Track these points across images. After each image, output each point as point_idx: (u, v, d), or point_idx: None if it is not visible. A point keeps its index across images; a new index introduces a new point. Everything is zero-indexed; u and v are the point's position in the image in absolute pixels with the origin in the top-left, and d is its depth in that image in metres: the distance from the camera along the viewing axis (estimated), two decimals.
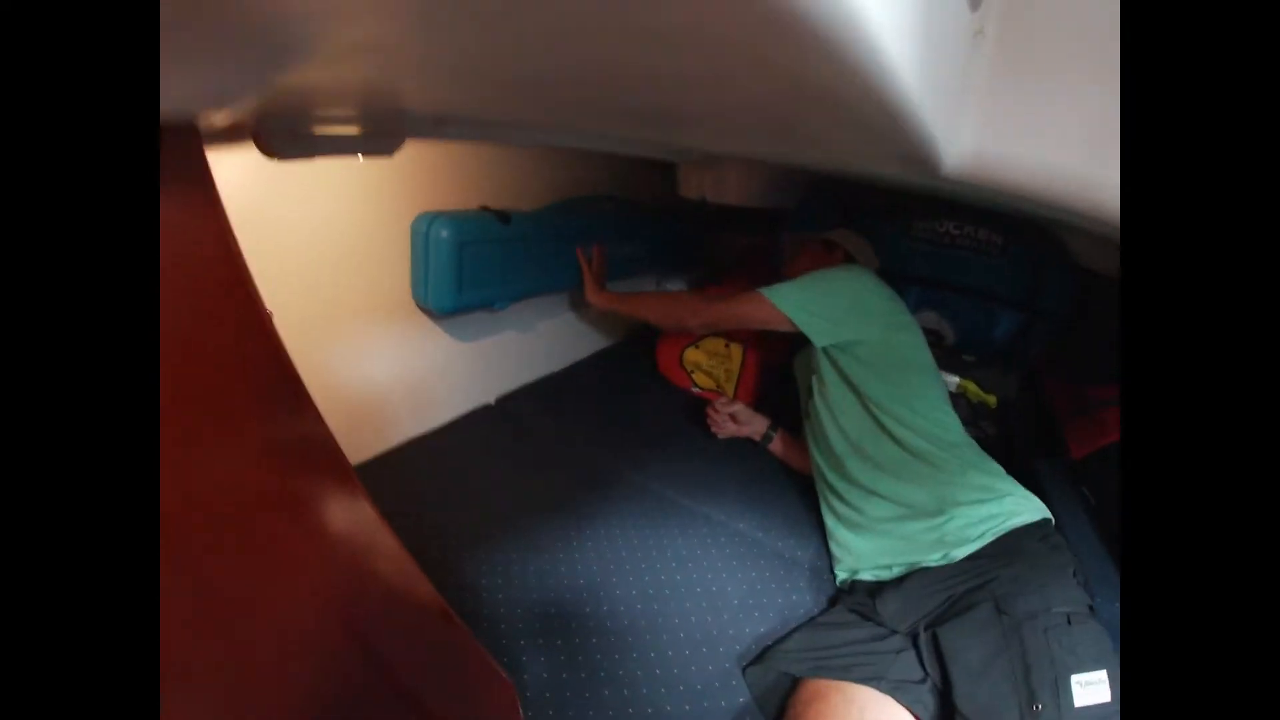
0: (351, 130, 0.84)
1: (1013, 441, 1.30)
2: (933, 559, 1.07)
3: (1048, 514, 1.09)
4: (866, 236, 1.64)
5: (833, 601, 1.18)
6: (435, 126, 0.92)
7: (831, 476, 1.33)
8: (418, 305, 1.46)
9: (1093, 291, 1.71)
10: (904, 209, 1.78)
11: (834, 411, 1.33)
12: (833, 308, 1.30)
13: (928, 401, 1.29)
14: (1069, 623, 0.89)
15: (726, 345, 1.82)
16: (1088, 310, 1.73)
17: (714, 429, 1.58)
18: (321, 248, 1.28)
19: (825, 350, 1.34)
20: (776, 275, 1.54)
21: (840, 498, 1.29)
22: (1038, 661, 0.86)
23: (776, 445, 1.59)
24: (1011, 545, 1.03)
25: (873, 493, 1.22)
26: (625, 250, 1.90)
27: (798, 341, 1.75)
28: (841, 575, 1.21)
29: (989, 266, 1.69)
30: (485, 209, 1.47)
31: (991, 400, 1.68)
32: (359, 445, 1.39)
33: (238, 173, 1.09)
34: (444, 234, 1.34)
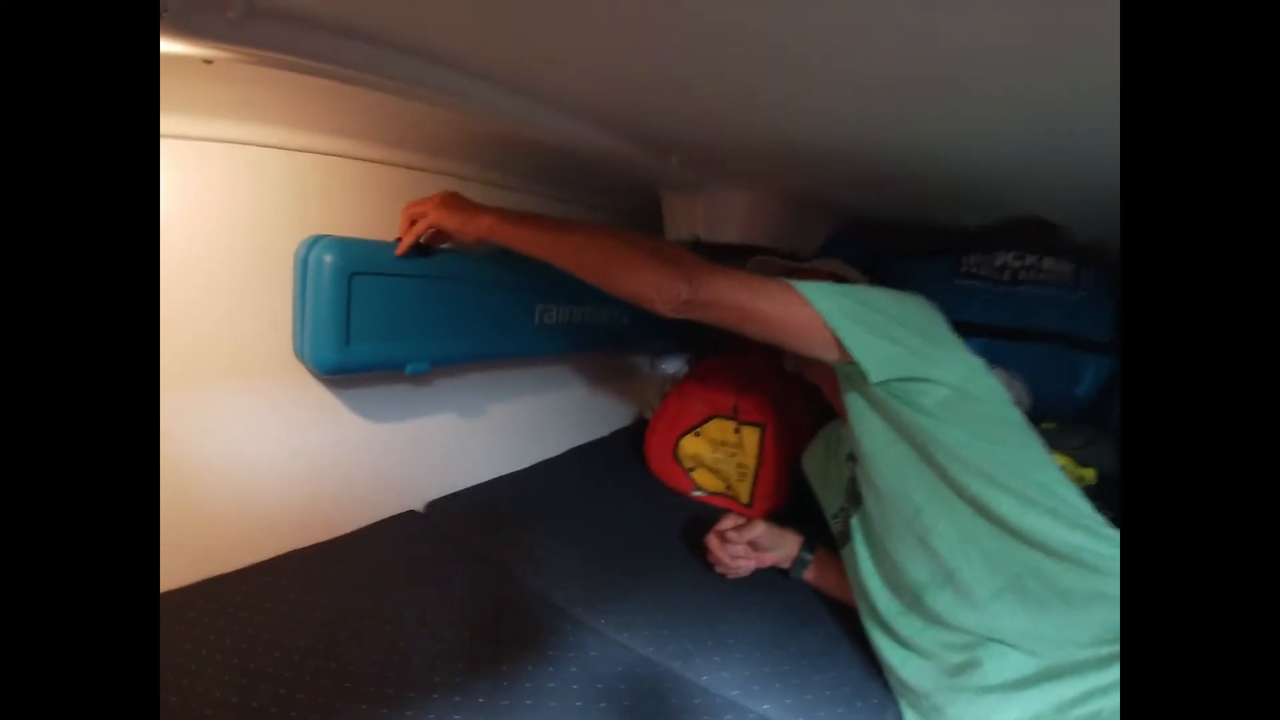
0: None
1: None
2: None
3: None
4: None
5: None
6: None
7: (906, 627, 0.82)
8: (303, 364, 1.05)
9: None
10: (949, 245, 1.36)
11: (902, 516, 0.84)
12: (894, 323, 0.83)
13: (1052, 474, 0.79)
14: None
15: (737, 430, 1.35)
16: None
17: (722, 571, 1.06)
18: (178, 283, 0.91)
19: (878, 407, 0.86)
20: None
21: (927, 658, 0.79)
22: None
23: (812, 572, 1.08)
24: None
25: (993, 641, 0.72)
26: (602, 315, 1.49)
27: (819, 415, 1.32)
28: None
29: (1062, 303, 1.25)
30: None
31: (1090, 475, 1.19)
32: (214, 556, 0.95)
33: None
34: (328, 259, 0.95)
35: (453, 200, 0.99)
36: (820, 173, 1.09)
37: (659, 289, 0.83)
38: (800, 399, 1.41)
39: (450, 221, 0.98)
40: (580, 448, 1.64)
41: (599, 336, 1.46)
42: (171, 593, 0.88)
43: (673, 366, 1.72)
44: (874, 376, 0.81)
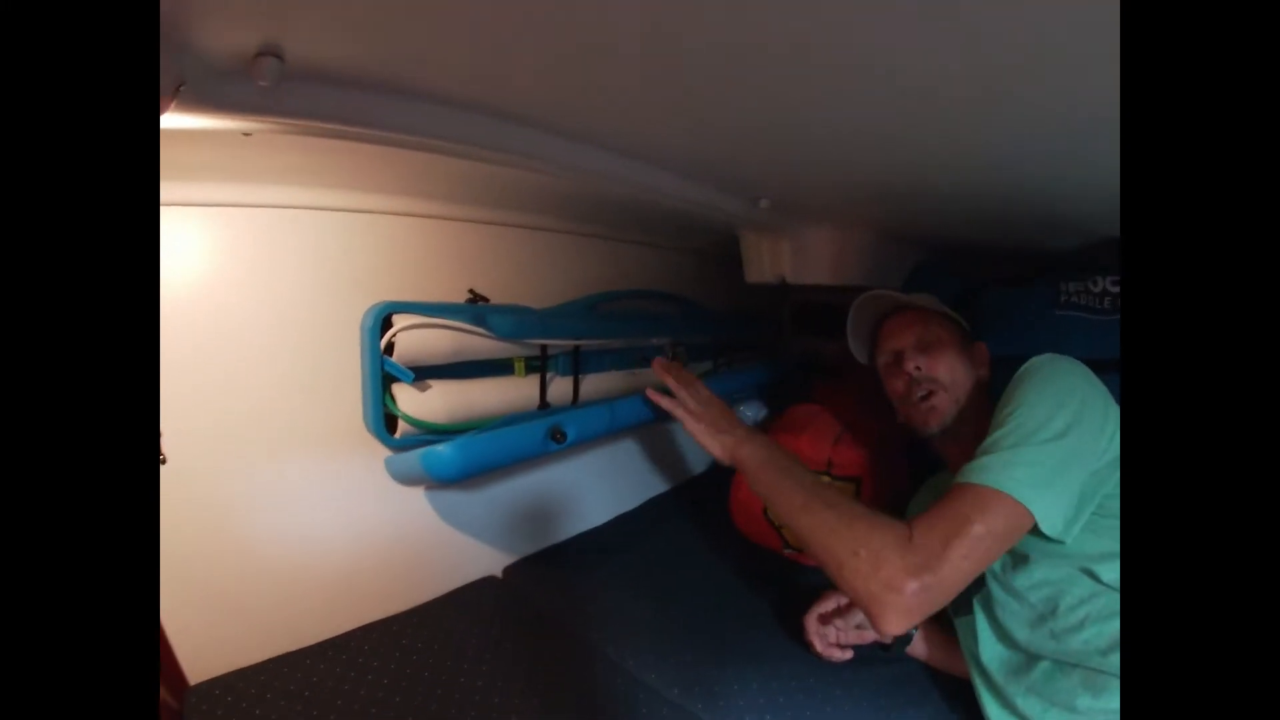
0: None
1: None
2: None
3: None
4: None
5: None
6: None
7: (1019, 697, 0.76)
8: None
9: None
10: (1045, 272, 1.22)
11: (1041, 615, 0.77)
12: (1071, 456, 0.73)
13: None
14: None
15: (831, 484, 1.28)
16: None
17: (821, 654, 0.96)
18: (242, 354, 0.91)
19: None
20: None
21: None
22: None
23: (918, 645, 0.97)
24: None
25: None
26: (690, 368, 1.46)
27: (920, 467, 1.18)
28: None
29: None
30: (473, 294, 1.05)
31: None
32: (289, 630, 0.93)
33: None
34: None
35: (719, 421, 0.95)
36: (916, 208, 1.03)
37: (886, 608, 0.68)
38: (896, 449, 1.31)
39: (712, 445, 0.93)
40: (657, 499, 1.54)
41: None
42: (245, 670, 0.87)
43: (752, 411, 1.65)
44: (1069, 540, 0.73)
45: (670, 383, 1.00)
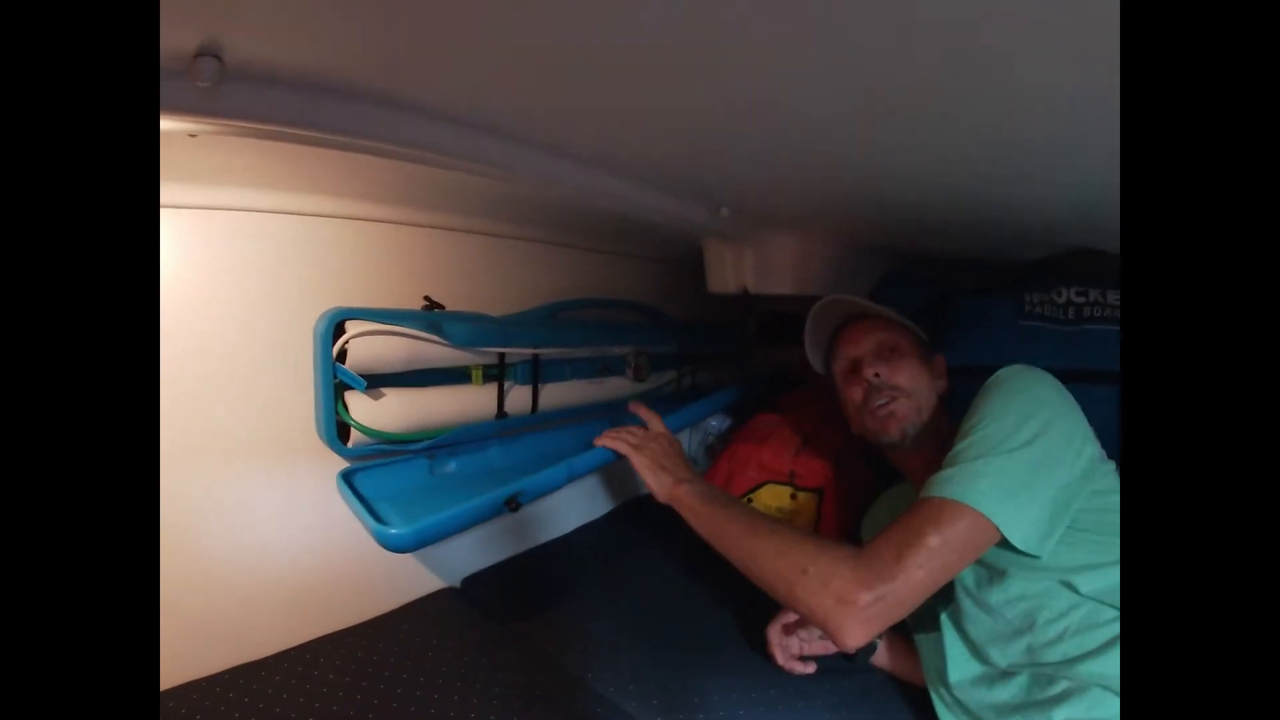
0: None
1: None
2: None
3: None
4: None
5: None
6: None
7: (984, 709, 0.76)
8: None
9: None
10: (1010, 282, 1.25)
11: (1016, 629, 0.76)
12: (1038, 469, 0.72)
13: None
14: None
15: (793, 496, 1.24)
16: None
17: (783, 666, 0.95)
18: (206, 357, 0.91)
19: None
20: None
21: None
22: None
23: (883, 656, 0.96)
24: None
25: None
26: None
27: (880, 476, 1.18)
28: None
29: None
30: (429, 301, 1.04)
31: None
32: (245, 641, 0.92)
33: None
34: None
35: (662, 459, 0.99)
36: (879, 216, 1.04)
37: (842, 621, 0.70)
38: (859, 458, 1.32)
39: (651, 480, 0.98)
40: (620, 508, 1.53)
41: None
42: (198, 682, 0.85)
43: (716, 421, 1.66)
44: (1044, 554, 0.71)
45: (642, 414, 1.07)
